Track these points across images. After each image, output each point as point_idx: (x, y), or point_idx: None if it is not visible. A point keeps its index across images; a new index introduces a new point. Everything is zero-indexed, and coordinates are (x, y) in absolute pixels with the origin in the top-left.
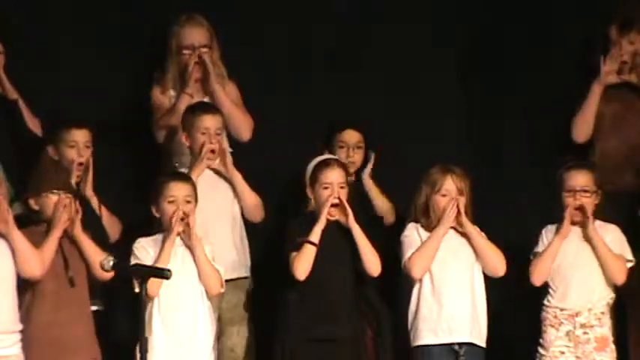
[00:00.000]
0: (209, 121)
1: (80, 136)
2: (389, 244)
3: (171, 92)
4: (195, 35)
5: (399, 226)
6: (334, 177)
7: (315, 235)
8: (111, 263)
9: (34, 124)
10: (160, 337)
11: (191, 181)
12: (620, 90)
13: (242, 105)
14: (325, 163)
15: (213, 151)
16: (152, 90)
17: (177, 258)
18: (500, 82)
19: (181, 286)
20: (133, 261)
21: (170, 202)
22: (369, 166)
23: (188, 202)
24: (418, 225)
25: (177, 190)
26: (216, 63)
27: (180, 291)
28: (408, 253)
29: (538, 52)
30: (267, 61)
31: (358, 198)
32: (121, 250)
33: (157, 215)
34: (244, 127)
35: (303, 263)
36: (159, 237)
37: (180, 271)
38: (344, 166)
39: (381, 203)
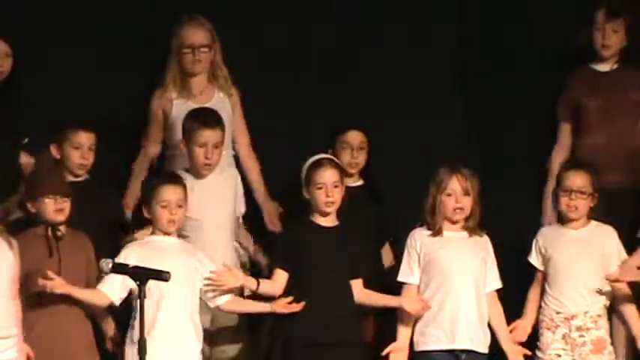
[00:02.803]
0: (207, 136)
1: (86, 139)
2: (392, 247)
3: (172, 94)
4: (196, 35)
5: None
6: (327, 177)
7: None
8: (110, 265)
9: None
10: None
11: (183, 184)
12: (603, 85)
13: (243, 121)
14: (318, 164)
15: (209, 165)
16: (153, 94)
17: (172, 256)
18: (500, 82)
19: (174, 285)
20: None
21: (163, 206)
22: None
23: (180, 206)
24: (423, 229)
25: (170, 194)
26: (218, 64)
27: (173, 290)
28: (403, 268)
29: (538, 52)
30: (267, 61)
31: (361, 200)
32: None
33: (149, 217)
34: None
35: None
36: (149, 239)
37: (172, 269)
38: (338, 166)
39: None
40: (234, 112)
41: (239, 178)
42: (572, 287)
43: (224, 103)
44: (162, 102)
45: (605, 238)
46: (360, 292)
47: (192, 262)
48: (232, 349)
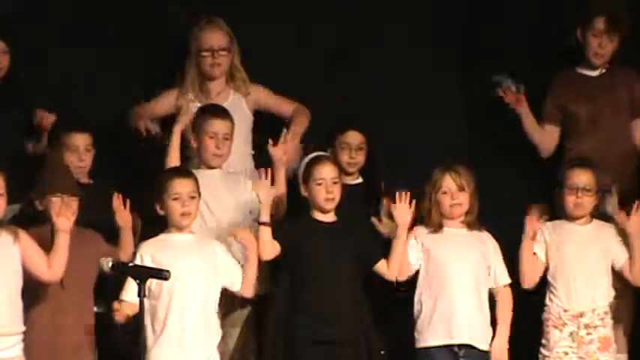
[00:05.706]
0: (217, 126)
1: (81, 141)
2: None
3: (190, 95)
4: (215, 38)
5: None
6: (327, 172)
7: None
8: (110, 264)
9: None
10: (164, 336)
11: (193, 176)
12: (592, 90)
13: (277, 97)
14: (317, 160)
15: (220, 156)
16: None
17: (188, 254)
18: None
19: (190, 283)
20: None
21: (175, 199)
22: None
23: (192, 197)
24: (422, 227)
25: (181, 186)
26: (236, 67)
27: (190, 289)
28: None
29: (538, 52)
30: (267, 61)
31: (360, 198)
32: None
33: (162, 213)
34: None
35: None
36: (164, 237)
37: (189, 267)
38: (336, 163)
39: None
40: (260, 102)
41: (249, 185)
42: (581, 284)
43: (240, 103)
44: (179, 104)
45: (609, 235)
46: (386, 269)
47: (209, 257)
48: (239, 343)
